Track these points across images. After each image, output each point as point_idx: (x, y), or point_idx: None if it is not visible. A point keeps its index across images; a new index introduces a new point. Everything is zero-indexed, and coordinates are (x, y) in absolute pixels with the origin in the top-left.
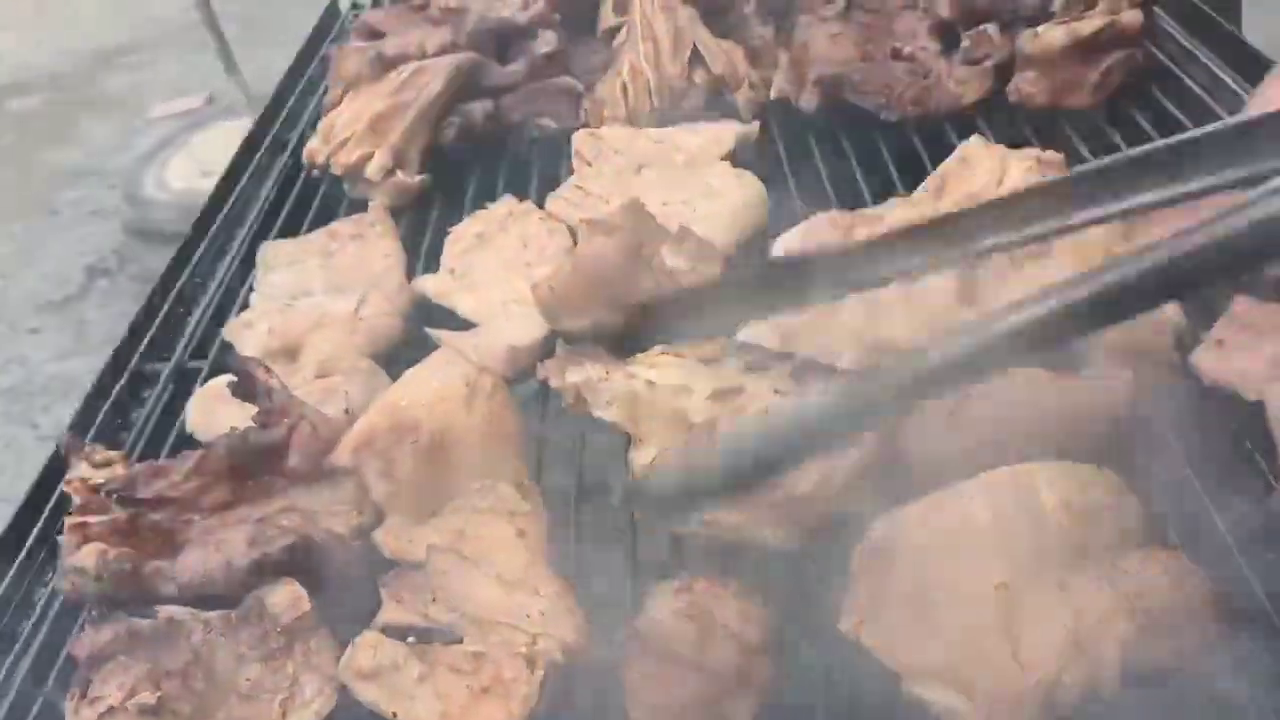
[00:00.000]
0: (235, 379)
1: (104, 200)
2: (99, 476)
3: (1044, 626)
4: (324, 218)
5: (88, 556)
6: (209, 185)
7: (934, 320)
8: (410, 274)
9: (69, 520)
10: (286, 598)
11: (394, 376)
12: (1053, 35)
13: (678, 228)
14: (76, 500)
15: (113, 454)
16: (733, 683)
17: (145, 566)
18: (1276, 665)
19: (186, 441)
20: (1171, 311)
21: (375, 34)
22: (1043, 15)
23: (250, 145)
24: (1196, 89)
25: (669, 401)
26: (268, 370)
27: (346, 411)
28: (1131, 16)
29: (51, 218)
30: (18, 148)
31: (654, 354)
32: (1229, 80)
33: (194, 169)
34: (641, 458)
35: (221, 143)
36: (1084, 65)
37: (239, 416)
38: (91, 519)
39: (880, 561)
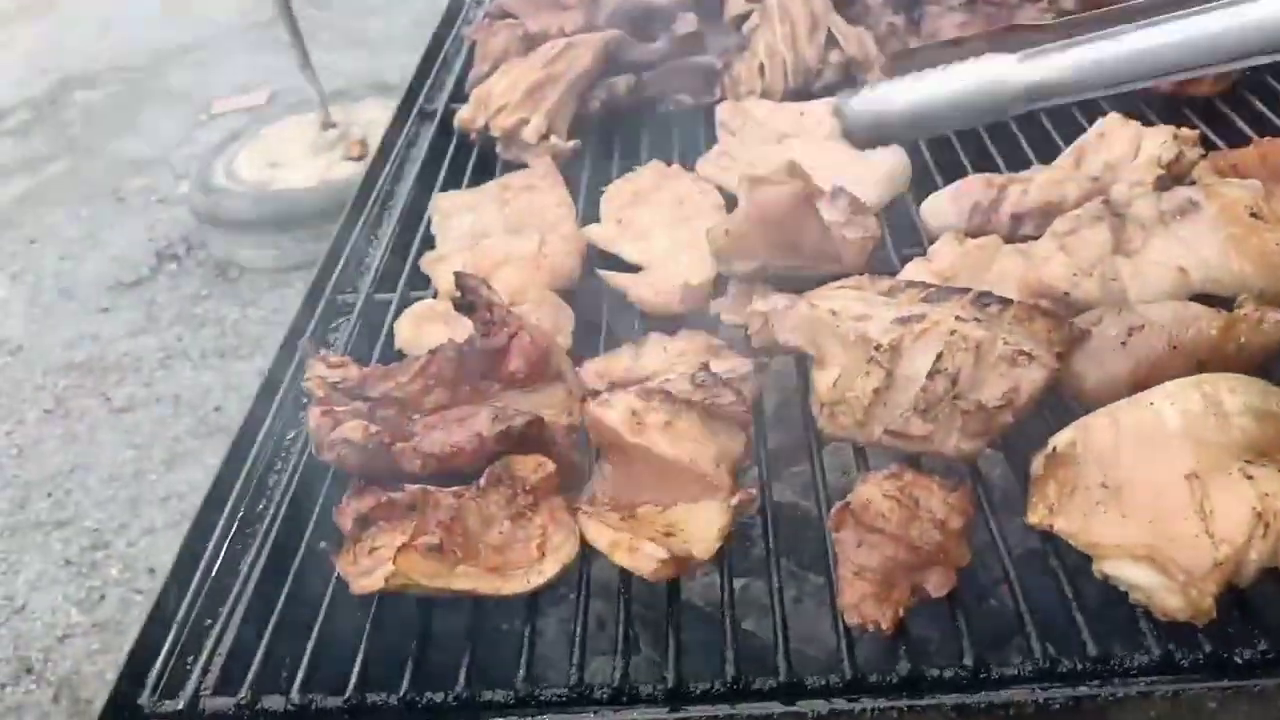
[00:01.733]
0: (459, 295)
1: (169, 189)
2: (334, 375)
3: (1232, 507)
4: (480, 178)
5: (354, 430)
6: (278, 175)
7: (1087, 267)
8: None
9: (316, 409)
10: (532, 462)
11: (573, 308)
12: None
13: (832, 186)
14: (318, 395)
15: (345, 358)
16: (933, 558)
17: (396, 444)
18: None
19: (386, 360)
20: None
21: (509, 16)
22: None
23: (400, 115)
24: None
25: (852, 327)
26: (489, 286)
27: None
28: None
29: (118, 204)
30: (84, 137)
31: (831, 288)
32: None
33: (262, 160)
34: (825, 378)
35: (289, 137)
36: None
37: (443, 334)
38: (338, 408)
39: (1066, 463)
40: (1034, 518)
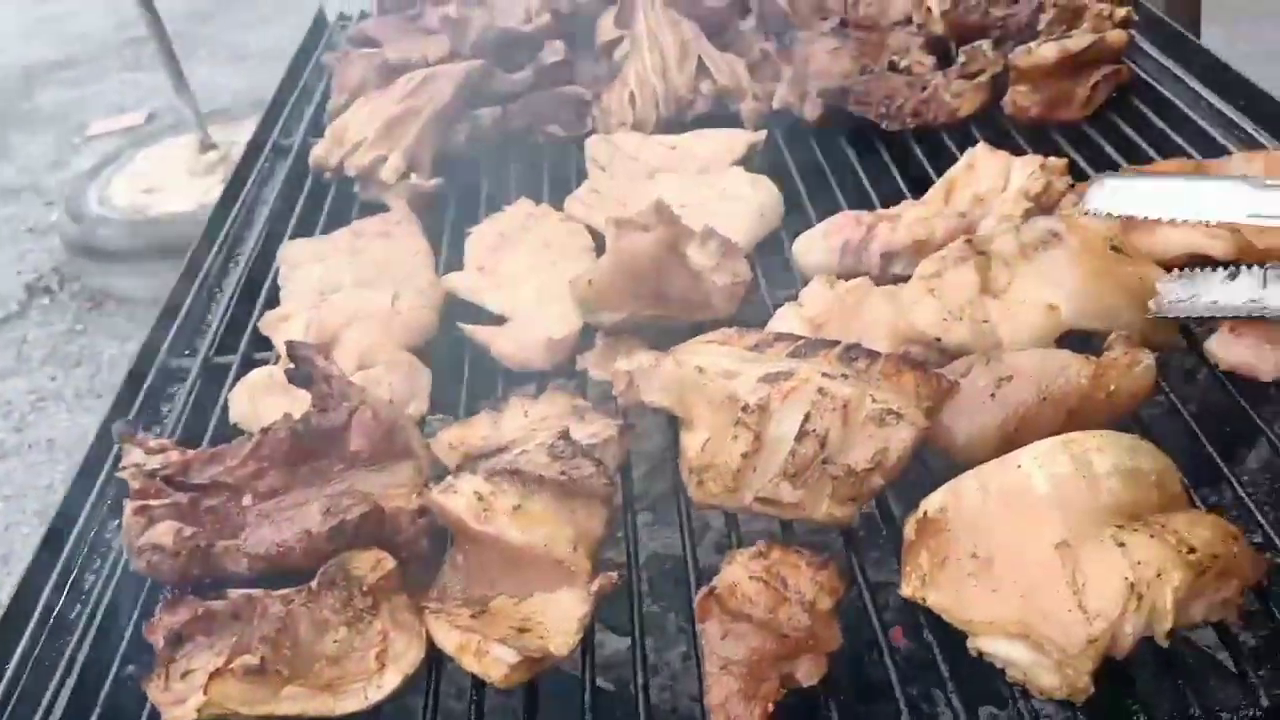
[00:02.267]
0: (293, 366)
1: (40, 218)
2: (154, 462)
3: (1104, 578)
4: (336, 219)
5: (165, 534)
6: (154, 201)
7: (956, 310)
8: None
9: (131, 504)
10: (370, 560)
11: (430, 368)
12: (1045, 51)
13: (702, 227)
14: (134, 486)
15: (165, 441)
16: (802, 645)
17: (216, 545)
18: None
19: (221, 434)
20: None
21: (371, 43)
22: (1029, 33)
23: (252, 151)
24: (1174, 99)
25: (719, 386)
26: (326, 356)
27: (391, 402)
28: (1116, 35)
29: None
30: None
31: (698, 342)
32: (1202, 91)
33: (138, 185)
34: (693, 441)
35: (166, 160)
36: (1073, 80)
37: (283, 406)
38: (153, 502)
39: (937, 529)
40: (907, 589)
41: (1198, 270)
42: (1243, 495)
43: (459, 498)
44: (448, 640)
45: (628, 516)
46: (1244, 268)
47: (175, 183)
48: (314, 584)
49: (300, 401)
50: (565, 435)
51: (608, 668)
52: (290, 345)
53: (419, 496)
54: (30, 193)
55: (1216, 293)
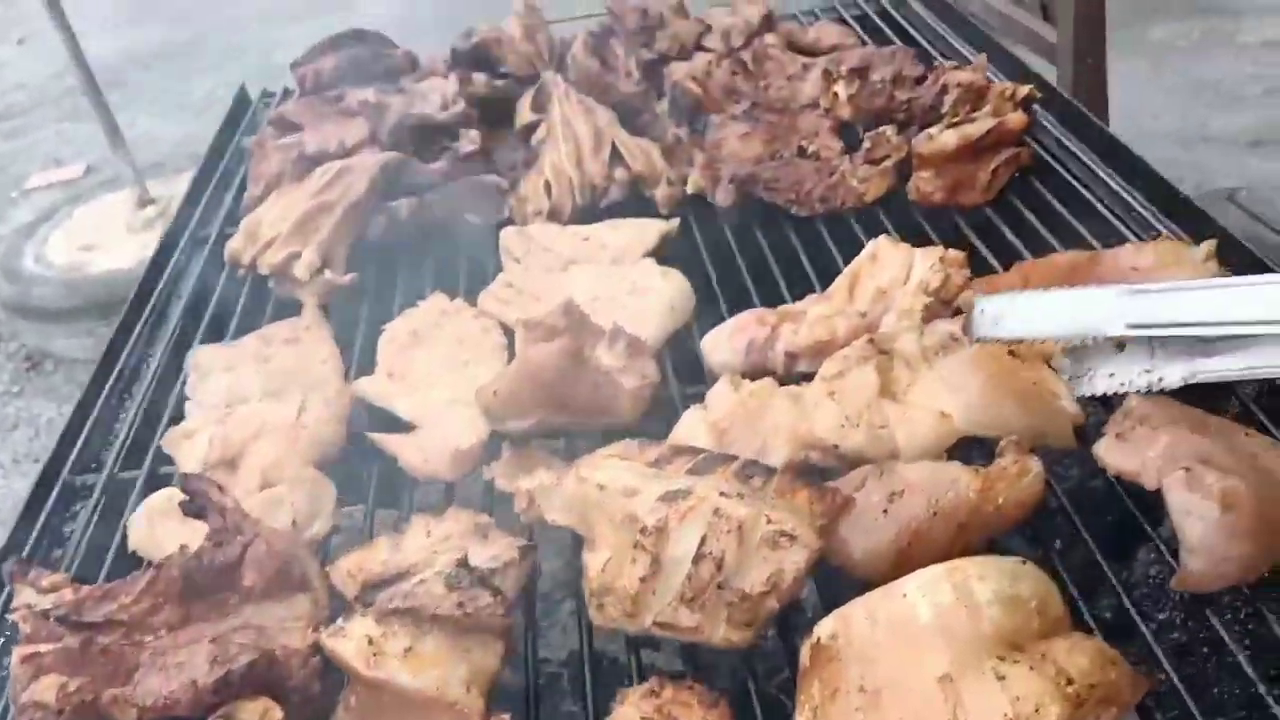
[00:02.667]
0: (186, 498)
1: None
2: (45, 602)
3: (985, 715)
4: (251, 316)
5: (47, 690)
6: (92, 259)
7: (855, 415)
8: (346, 373)
9: (20, 651)
10: (257, 711)
11: (336, 483)
12: (945, 138)
13: (611, 327)
14: (24, 629)
15: (58, 578)
16: None
17: (104, 695)
18: None
19: (125, 555)
20: (1068, 404)
21: (291, 126)
22: (934, 116)
23: (168, 243)
24: (1074, 182)
25: (620, 505)
26: (220, 489)
27: (294, 523)
28: (1016, 118)
29: None
30: None
31: (601, 456)
32: (1101, 173)
33: (75, 242)
34: (595, 561)
35: (105, 216)
36: (974, 164)
37: (184, 533)
38: (43, 647)
39: (830, 657)
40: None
41: (1087, 343)
42: (1128, 606)
43: (349, 642)
44: None
45: (528, 638)
46: (1130, 331)
47: (114, 239)
48: None
49: (199, 529)
50: (464, 563)
51: None
52: (185, 478)
53: (313, 633)
54: None
55: (1110, 364)
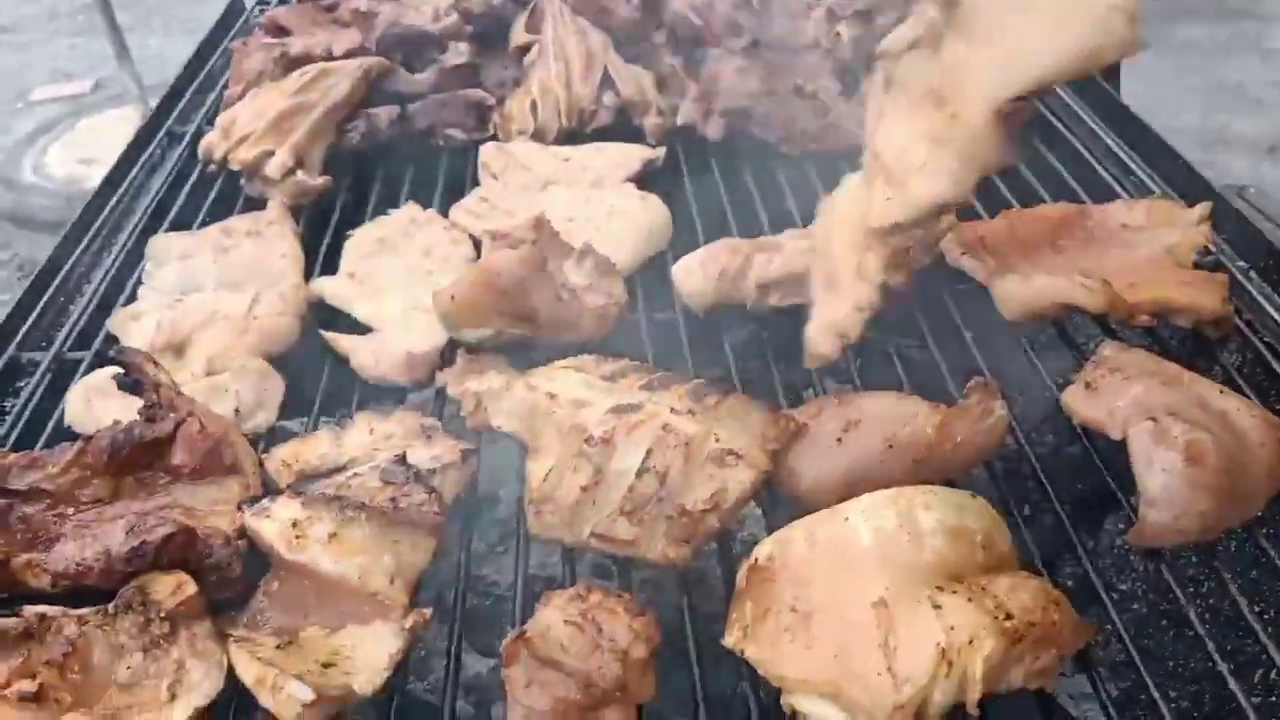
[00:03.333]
0: (122, 372)
1: None
2: None
3: (917, 642)
4: (218, 214)
5: None
6: (91, 173)
7: None
8: (309, 275)
9: None
10: (170, 584)
11: (288, 378)
12: None
13: (581, 245)
14: None
15: None
16: (609, 695)
17: (16, 558)
18: (1123, 694)
19: (64, 434)
20: None
21: (282, 31)
22: None
23: (144, 136)
24: (1075, 141)
25: (569, 415)
26: (156, 364)
27: (237, 411)
28: None
29: None
30: None
31: (556, 367)
32: (1103, 135)
33: (76, 155)
34: (537, 470)
35: (107, 131)
36: None
37: (121, 411)
38: None
39: (765, 579)
40: (730, 639)
41: None
42: (1082, 555)
43: (272, 523)
44: (247, 672)
45: (464, 543)
46: None
47: (114, 154)
48: (111, 606)
49: (137, 408)
50: (402, 459)
51: (469, 689)
52: (119, 350)
53: (239, 514)
54: None
55: None
